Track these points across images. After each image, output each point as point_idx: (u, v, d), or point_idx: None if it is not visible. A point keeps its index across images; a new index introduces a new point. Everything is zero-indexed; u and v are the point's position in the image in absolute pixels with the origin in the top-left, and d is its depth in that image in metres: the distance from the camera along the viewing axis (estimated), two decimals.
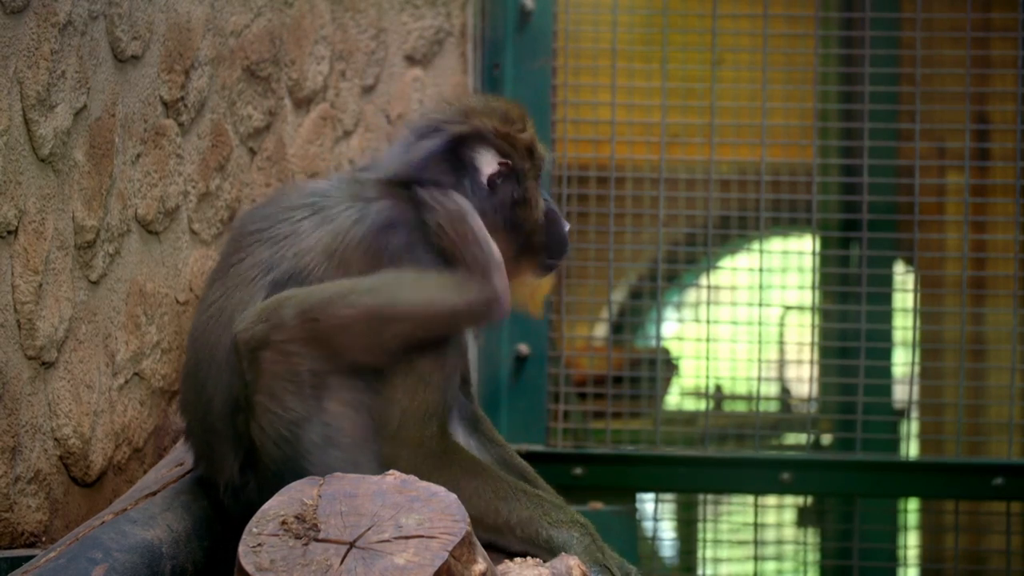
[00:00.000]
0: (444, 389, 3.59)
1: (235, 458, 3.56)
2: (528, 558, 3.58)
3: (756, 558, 5.83)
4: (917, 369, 5.80)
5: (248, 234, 3.67)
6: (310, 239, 3.61)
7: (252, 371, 3.44)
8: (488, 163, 3.73)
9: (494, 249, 3.56)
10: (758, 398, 5.84)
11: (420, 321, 3.48)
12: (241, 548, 3.05)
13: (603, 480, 5.60)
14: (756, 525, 5.86)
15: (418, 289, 3.50)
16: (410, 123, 3.85)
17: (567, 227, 3.82)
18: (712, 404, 6.28)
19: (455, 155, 3.72)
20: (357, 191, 3.67)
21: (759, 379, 5.75)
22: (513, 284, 3.68)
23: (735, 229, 6.09)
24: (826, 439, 6.52)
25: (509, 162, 3.73)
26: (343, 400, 3.45)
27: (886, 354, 5.99)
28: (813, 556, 6.40)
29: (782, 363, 7.08)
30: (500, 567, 3.48)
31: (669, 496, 6.77)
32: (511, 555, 3.61)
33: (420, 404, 3.56)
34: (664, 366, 6.04)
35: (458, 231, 3.56)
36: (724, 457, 5.67)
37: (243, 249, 3.65)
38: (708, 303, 5.78)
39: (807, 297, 6.03)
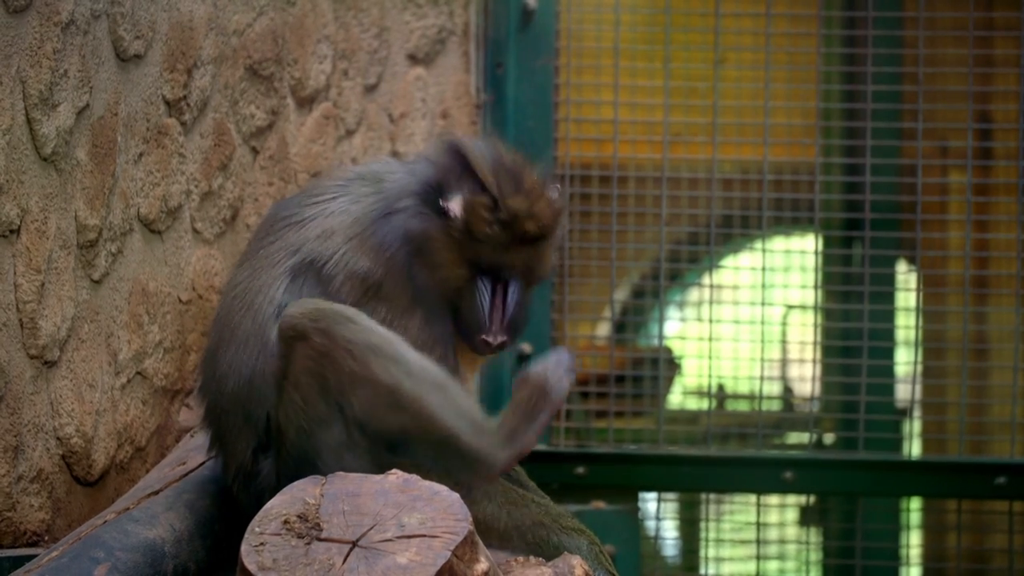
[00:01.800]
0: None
1: (247, 443, 3.57)
2: (531, 557, 3.59)
3: (759, 557, 5.83)
4: (919, 368, 5.80)
5: (280, 219, 3.70)
6: (334, 220, 3.64)
7: (286, 358, 3.45)
8: (454, 203, 3.70)
9: (534, 436, 3.56)
10: (760, 397, 5.84)
11: (426, 424, 3.47)
12: (244, 547, 3.05)
13: (606, 479, 5.60)
14: (759, 524, 5.85)
15: (448, 401, 3.47)
16: (448, 140, 3.84)
17: (484, 329, 3.69)
18: (715, 403, 6.28)
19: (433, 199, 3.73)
20: (387, 186, 3.72)
21: (761, 378, 5.76)
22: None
23: (737, 228, 6.09)
24: (828, 438, 6.52)
25: (459, 214, 3.68)
26: (362, 412, 3.45)
27: (888, 353, 5.98)
28: (816, 555, 6.40)
29: (784, 362, 7.07)
30: (503, 566, 3.48)
31: (672, 495, 6.76)
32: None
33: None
34: (666, 365, 6.04)
35: (534, 395, 3.56)
36: (727, 456, 5.67)
37: (272, 233, 3.68)
38: (710, 302, 5.78)
39: (809, 296, 6.03)
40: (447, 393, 3.47)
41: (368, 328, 3.45)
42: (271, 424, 3.53)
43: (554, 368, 3.58)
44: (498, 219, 3.66)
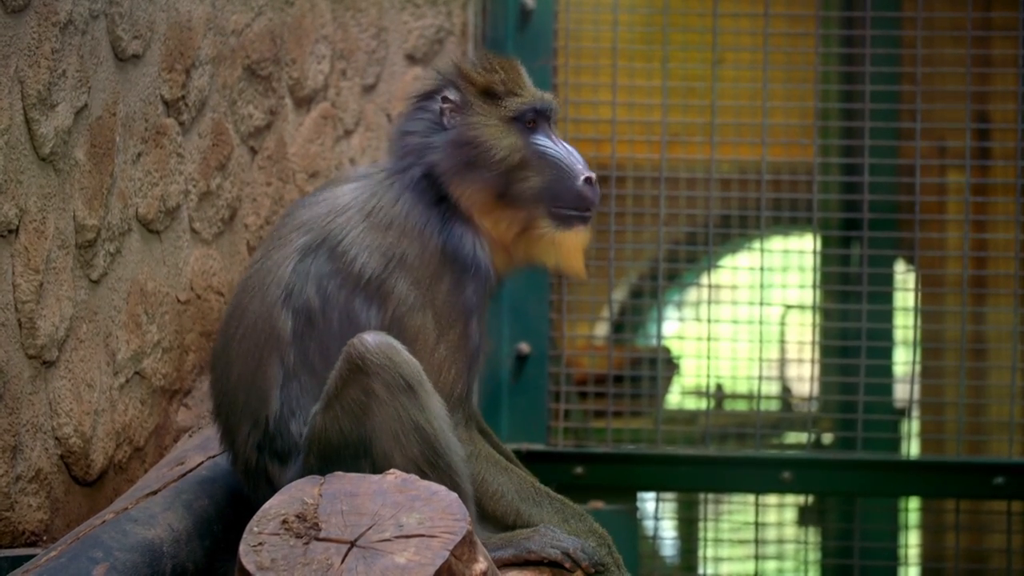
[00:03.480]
0: (471, 364, 3.64)
1: (249, 434, 3.57)
2: (528, 567, 3.59)
3: (757, 557, 5.82)
4: (918, 368, 5.80)
5: (295, 206, 3.75)
6: (345, 198, 3.67)
7: (344, 378, 3.45)
8: (438, 103, 3.76)
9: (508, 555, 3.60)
10: (759, 397, 5.84)
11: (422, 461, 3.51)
12: (242, 547, 3.05)
13: (604, 479, 5.59)
14: (757, 524, 5.85)
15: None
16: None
17: (582, 176, 3.72)
18: (713, 403, 6.28)
19: (426, 107, 3.79)
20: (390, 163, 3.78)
21: (760, 378, 5.75)
22: (525, 238, 3.72)
23: (736, 228, 6.09)
24: (827, 438, 6.52)
25: (454, 99, 3.74)
26: (396, 445, 3.46)
27: (887, 353, 5.98)
28: (814, 555, 6.40)
29: (783, 362, 7.08)
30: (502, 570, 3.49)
31: (670, 495, 6.77)
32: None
33: (442, 386, 3.58)
34: (665, 365, 6.03)
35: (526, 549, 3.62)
36: (725, 456, 5.67)
37: (285, 219, 3.72)
38: (709, 302, 5.78)
39: (808, 296, 6.03)
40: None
41: (424, 405, 3.45)
42: (276, 417, 3.53)
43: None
44: (490, 65, 3.76)
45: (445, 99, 3.74)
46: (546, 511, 3.68)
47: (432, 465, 3.44)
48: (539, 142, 3.74)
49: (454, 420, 3.56)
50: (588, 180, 3.71)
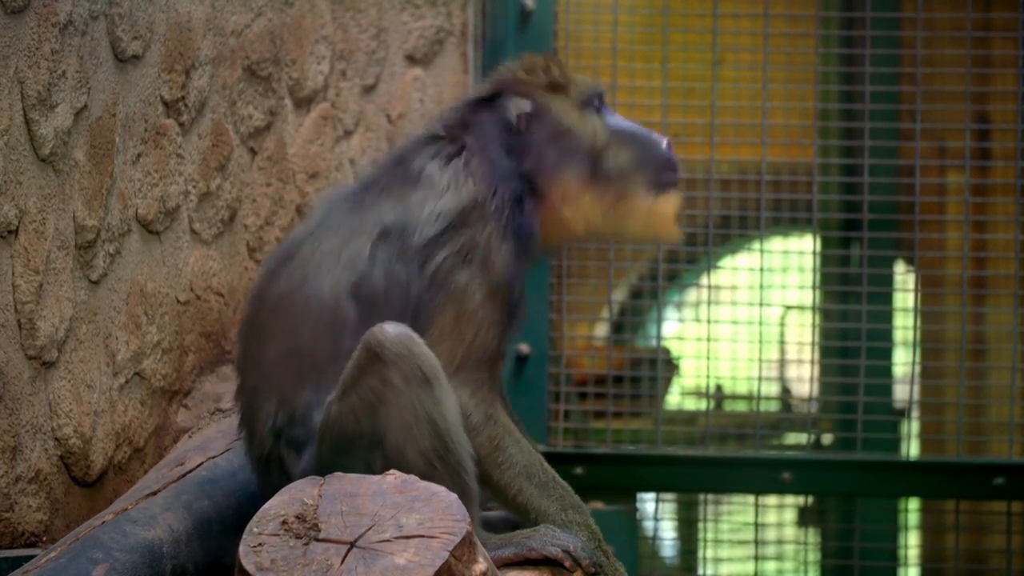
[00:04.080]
0: (509, 325, 3.66)
1: (268, 419, 3.55)
2: (527, 566, 3.59)
3: (757, 558, 5.82)
4: (918, 369, 5.80)
5: (342, 199, 3.74)
6: (417, 195, 3.68)
7: (361, 367, 3.45)
8: (514, 111, 3.84)
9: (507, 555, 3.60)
10: (759, 398, 5.84)
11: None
12: (242, 547, 3.05)
13: (603, 480, 5.59)
14: (757, 525, 5.85)
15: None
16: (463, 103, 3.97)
17: (664, 142, 3.84)
18: (713, 404, 6.28)
19: (495, 117, 3.84)
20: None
21: (760, 379, 5.75)
22: (615, 212, 3.80)
23: (736, 229, 6.08)
24: (827, 439, 6.52)
25: (528, 102, 3.82)
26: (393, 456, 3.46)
27: (887, 354, 5.98)
28: (814, 556, 6.39)
29: (783, 363, 7.08)
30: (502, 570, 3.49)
31: (670, 496, 6.76)
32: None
33: (477, 345, 3.59)
34: (665, 366, 6.03)
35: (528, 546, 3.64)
36: (725, 457, 5.67)
37: (353, 205, 3.70)
38: (709, 303, 5.78)
39: (808, 297, 6.03)
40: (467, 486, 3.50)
41: (439, 399, 3.45)
42: (305, 404, 3.52)
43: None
44: (543, 63, 3.88)
45: (520, 114, 3.81)
46: (548, 495, 3.68)
47: (442, 460, 3.45)
48: (613, 121, 3.88)
49: (482, 376, 3.60)
50: (670, 146, 3.86)
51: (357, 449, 3.44)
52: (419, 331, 3.50)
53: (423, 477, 3.35)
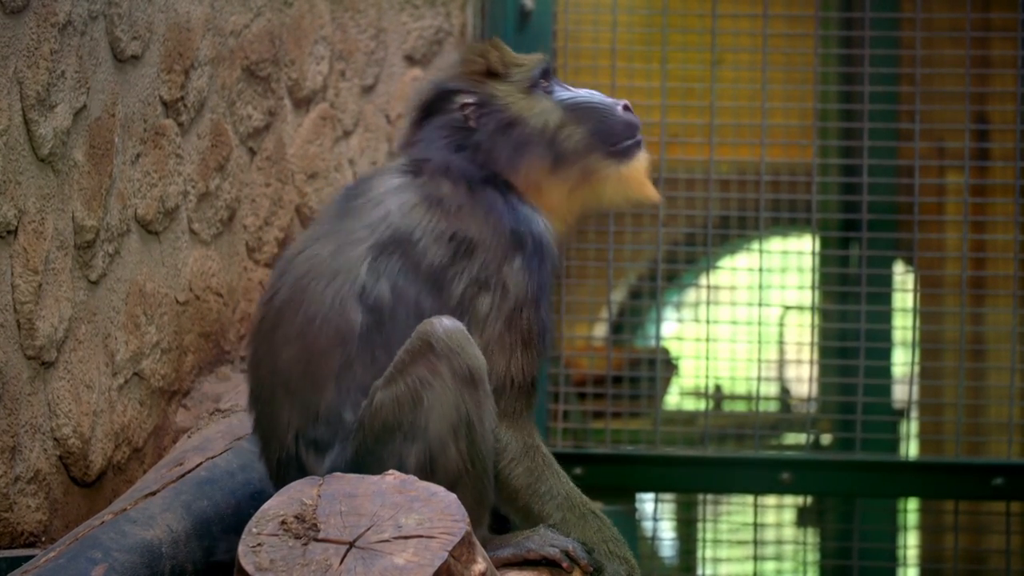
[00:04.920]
0: (540, 349, 3.61)
1: (291, 425, 3.53)
2: (526, 566, 3.59)
3: (756, 558, 5.83)
4: (917, 369, 5.80)
5: (356, 198, 3.68)
6: (408, 192, 3.63)
7: (412, 352, 3.43)
8: (459, 108, 3.75)
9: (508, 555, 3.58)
10: (758, 398, 5.84)
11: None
12: (241, 548, 3.05)
13: (603, 480, 5.59)
14: (756, 525, 5.85)
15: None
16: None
17: (618, 106, 3.74)
18: (712, 404, 6.28)
19: (443, 120, 3.77)
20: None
21: (759, 379, 5.75)
22: (584, 189, 3.72)
23: (735, 229, 6.09)
24: (826, 439, 6.52)
25: (470, 96, 3.73)
26: (436, 446, 3.46)
27: (886, 354, 5.99)
28: (813, 556, 6.40)
29: (782, 363, 7.08)
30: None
31: (669, 496, 6.77)
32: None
33: (513, 373, 3.57)
34: (664, 366, 6.04)
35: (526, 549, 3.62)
36: (724, 457, 5.67)
37: (349, 211, 3.65)
38: (708, 303, 5.78)
39: (807, 297, 6.03)
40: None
41: (480, 402, 3.45)
42: (329, 405, 3.50)
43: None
44: (481, 51, 3.76)
45: (464, 105, 3.73)
46: (588, 526, 3.67)
47: (473, 464, 3.44)
48: (562, 96, 3.76)
49: (518, 406, 3.57)
50: (626, 107, 3.75)
51: (393, 440, 3.42)
52: None
53: (453, 476, 3.35)
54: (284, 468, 3.55)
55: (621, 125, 3.73)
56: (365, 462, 3.40)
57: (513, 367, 3.57)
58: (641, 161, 3.75)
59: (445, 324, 3.43)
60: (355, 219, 3.62)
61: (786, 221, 6.15)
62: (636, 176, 3.75)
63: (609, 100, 3.76)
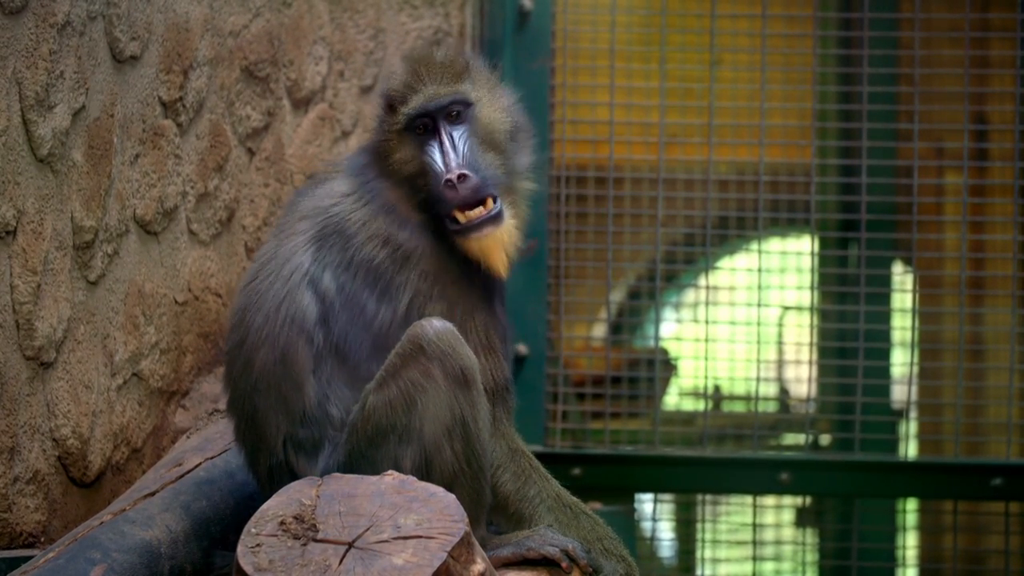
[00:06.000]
0: (502, 349, 3.63)
1: (278, 428, 3.53)
2: (525, 566, 3.59)
3: (755, 558, 5.82)
4: (916, 369, 5.80)
5: (301, 196, 3.73)
6: (343, 187, 3.65)
7: (403, 356, 3.44)
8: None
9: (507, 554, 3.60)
10: (756, 398, 5.84)
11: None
12: (240, 548, 3.05)
13: (601, 480, 5.59)
14: (755, 525, 5.85)
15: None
16: None
17: (443, 178, 3.56)
18: (711, 404, 6.28)
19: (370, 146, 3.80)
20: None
21: (758, 379, 5.75)
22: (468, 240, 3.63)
23: (733, 229, 6.09)
24: (825, 439, 6.52)
25: (377, 128, 3.74)
26: (430, 447, 3.46)
27: (885, 354, 5.98)
28: (812, 556, 6.40)
29: (781, 363, 7.07)
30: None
31: (668, 496, 6.76)
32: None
33: (487, 378, 3.57)
34: (662, 366, 6.03)
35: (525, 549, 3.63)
36: (723, 457, 5.67)
37: (293, 206, 3.71)
38: (707, 303, 5.78)
39: (805, 297, 6.03)
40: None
41: (474, 402, 3.46)
42: (313, 403, 3.50)
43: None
44: (398, 71, 3.69)
45: (381, 117, 3.73)
46: (582, 525, 3.67)
47: (469, 464, 3.45)
48: (427, 148, 3.64)
49: (500, 412, 3.59)
50: (448, 182, 3.56)
51: (388, 443, 3.43)
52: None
53: (450, 477, 3.36)
54: (276, 475, 3.55)
55: (439, 198, 3.58)
56: (359, 465, 3.40)
57: (483, 370, 3.57)
58: (483, 238, 3.59)
59: (435, 326, 3.44)
60: (293, 214, 3.66)
61: (785, 221, 6.15)
62: (483, 249, 3.61)
63: (442, 169, 3.58)
